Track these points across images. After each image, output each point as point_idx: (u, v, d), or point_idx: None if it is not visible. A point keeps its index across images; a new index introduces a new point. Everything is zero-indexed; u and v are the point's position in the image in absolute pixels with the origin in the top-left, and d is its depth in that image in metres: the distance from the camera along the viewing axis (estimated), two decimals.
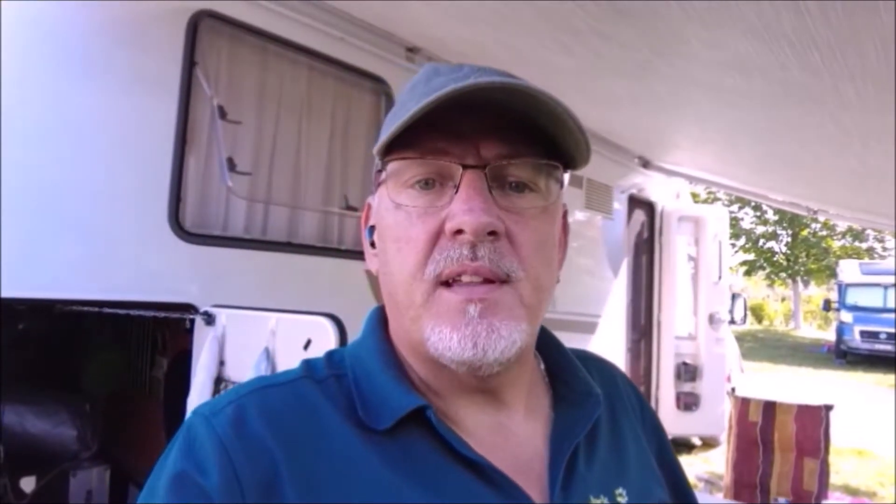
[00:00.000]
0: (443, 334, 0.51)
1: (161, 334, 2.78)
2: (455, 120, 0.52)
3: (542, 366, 0.66)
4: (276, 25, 2.35)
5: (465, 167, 0.52)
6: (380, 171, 0.57)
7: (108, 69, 1.98)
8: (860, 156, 2.97)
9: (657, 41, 2.12)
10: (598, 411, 0.60)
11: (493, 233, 0.51)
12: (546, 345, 0.66)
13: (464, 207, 0.50)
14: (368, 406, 0.54)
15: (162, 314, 2.07)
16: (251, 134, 2.36)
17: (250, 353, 1.76)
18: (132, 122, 2.02)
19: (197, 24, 2.14)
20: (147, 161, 2.06)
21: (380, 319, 0.61)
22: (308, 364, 0.58)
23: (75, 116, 1.92)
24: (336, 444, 0.51)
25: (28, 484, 2.50)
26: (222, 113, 2.19)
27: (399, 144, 0.53)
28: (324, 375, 0.57)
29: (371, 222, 0.62)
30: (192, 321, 2.04)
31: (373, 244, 0.61)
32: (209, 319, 1.97)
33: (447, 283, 0.52)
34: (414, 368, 0.57)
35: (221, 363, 1.91)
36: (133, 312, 2.04)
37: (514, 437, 0.57)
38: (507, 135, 0.53)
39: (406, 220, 0.53)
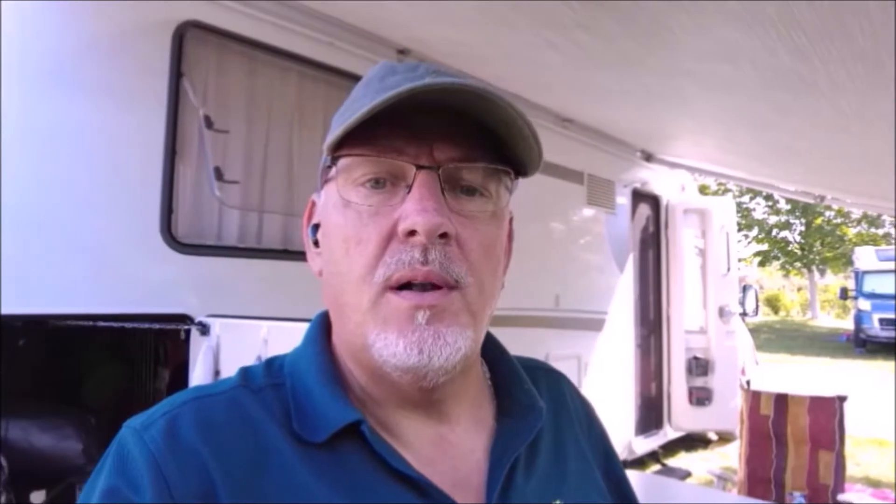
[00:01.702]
0: (388, 340, 0.51)
1: (163, 346, 2.79)
2: (409, 119, 0.52)
3: (488, 375, 0.65)
4: (263, 33, 2.36)
5: (418, 167, 0.51)
6: (328, 167, 0.56)
7: (97, 83, 1.99)
8: (858, 138, 2.92)
9: (641, 32, 2.10)
10: (540, 424, 0.60)
11: (444, 235, 0.51)
12: (492, 353, 0.65)
13: (417, 207, 0.50)
14: (304, 418, 0.53)
15: (157, 325, 2.08)
16: (240, 142, 2.37)
17: (245, 363, 1.75)
18: (122, 135, 2.04)
19: (182, 35, 2.15)
20: (138, 173, 2.08)
21: (322, 326, 0.60)
22: (246, 372, 0.57)
23: (63, 130, 1.93)
24: (271, 456, 0.50)
25: (38, 498, 2.52)
26: (209, 123, 2.20)
27: (350, 141, 0.53)
28: (261, 385, 0.55)
29: (315, 220, 0.60)
30: (188, 332, 2.04)
31: (316, 243, 0.59)
32: (204, 329, 1.97)
33: (395, 288, 0.51)
34: (355, 376, 0.56)
35: (217, 373, 1.91)
36: (128, 325, 2.05)
37: (453, 449, 0.57)
38: (460, 138, 0.53)
39: (357, 220, 0.52)
